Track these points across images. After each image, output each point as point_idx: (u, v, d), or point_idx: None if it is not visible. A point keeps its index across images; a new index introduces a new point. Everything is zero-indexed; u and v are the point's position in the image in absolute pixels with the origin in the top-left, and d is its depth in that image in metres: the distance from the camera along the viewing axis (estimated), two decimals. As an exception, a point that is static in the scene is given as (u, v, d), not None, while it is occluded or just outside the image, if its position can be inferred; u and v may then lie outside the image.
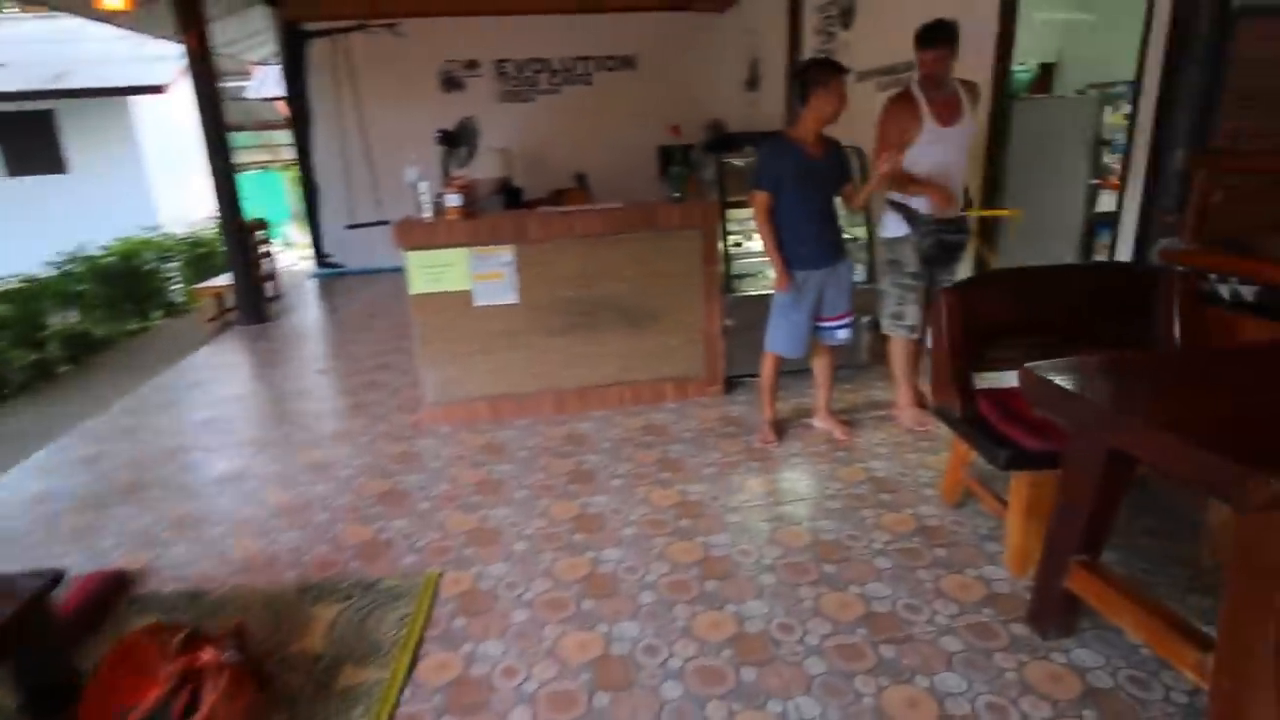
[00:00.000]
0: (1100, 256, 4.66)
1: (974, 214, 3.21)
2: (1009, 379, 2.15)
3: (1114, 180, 4.58)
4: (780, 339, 3.31)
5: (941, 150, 3.24)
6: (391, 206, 7.80)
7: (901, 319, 3.45)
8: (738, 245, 4.05)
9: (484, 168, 7.10)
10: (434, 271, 3.60)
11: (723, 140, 7.12)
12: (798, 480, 3.06)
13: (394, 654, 2.12)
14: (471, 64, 8.10)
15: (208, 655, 1.80)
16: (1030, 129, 3.86)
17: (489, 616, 2.30)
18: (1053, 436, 2.19)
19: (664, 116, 8.17)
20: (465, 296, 3.67)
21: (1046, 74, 5.29)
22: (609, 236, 3.70)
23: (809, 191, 3.08)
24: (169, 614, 2.36)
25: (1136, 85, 2.98)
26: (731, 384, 4.12)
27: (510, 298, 3.69)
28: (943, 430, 3.38)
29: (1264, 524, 1.33)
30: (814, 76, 3.03)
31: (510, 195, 7.15)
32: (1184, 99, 2.77)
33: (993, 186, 3.91)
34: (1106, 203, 4.41)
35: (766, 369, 3.43)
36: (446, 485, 3.19)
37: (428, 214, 3.65)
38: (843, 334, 3.32)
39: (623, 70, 8.32)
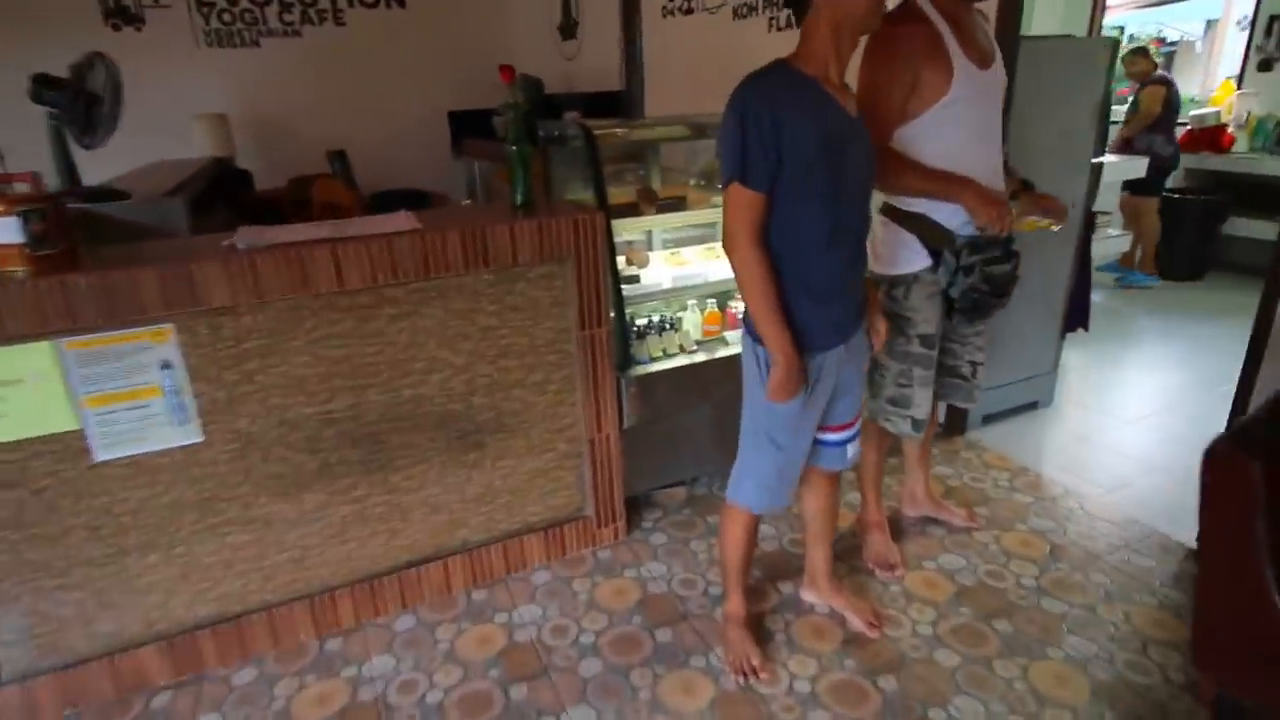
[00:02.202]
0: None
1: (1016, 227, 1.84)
2: None
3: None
4: (760, 486, 1.70)
5: (980, 111, 1.79)
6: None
7: (904, 406, 1.98)
8: (631, 281, 2.34)
9: (179, 145, 4.74)
10: (-32, 403, 1.52)
11: (540, 104, 5.33)
12: (856, 798, 1.49)
13: None
14: (152, -13, 5.46)
15: None
16: (1025, 83, 2.56)
17: None
18: None
19: (452, 71, 6.17)
20: (69, 444, 1.62)
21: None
22: (401, 287, 1.84)
23: (845, 183, 1.47)
24: None
25: None
26: (635, 510, 2.46)
27: (184, 434, 1.71)
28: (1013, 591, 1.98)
29: None
30: None
31: (230, 184, 4.82)
32: None
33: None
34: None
35: (733, 535, 1.81)
36: None
37: (-64, 264, 1.53)
38: (854, 451, 1.79)
39: (389, 8, 6.12)
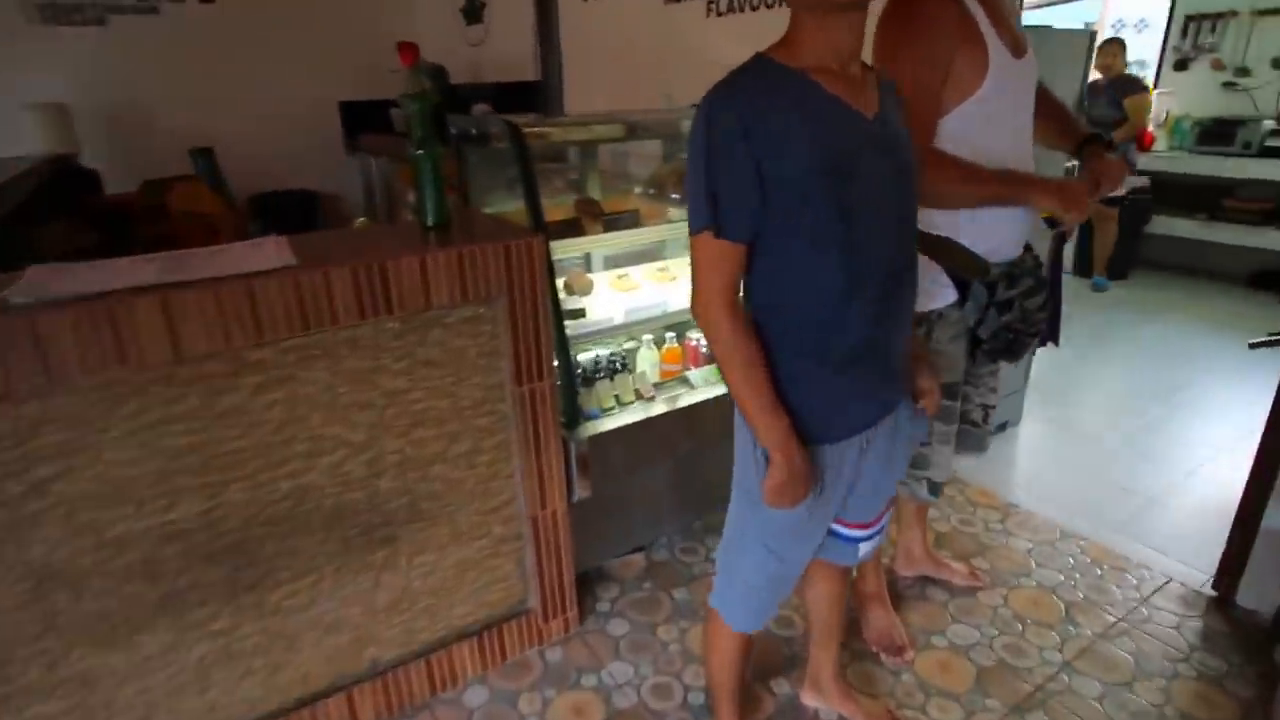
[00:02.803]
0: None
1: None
2: None
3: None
4: (750, 599, 1.33)
5: (1015, 108, 1.47)
6: None
7: (921, 467, 1.67)
8: (576, 315, 1.91)
9: (10, 141, 3.96)
10: None
11: (444, 95, 4.79)
12: None
13: None
14: (-38, -50, 4.56)
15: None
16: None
17: None
18: None
19: (342, 57, 5.51)
20: None
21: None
22: (268, 347, 1.34)
23: (864, 210, 1.06)
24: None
25: None
26: (586, 588, 2.03)
27: (-61, 582, 1.16)
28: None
29: None
30: None
31: (71, 188, 4.07)
32: None
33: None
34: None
35: (722, 651, 1.42)
36: None
37: None
38: (868, 548, 1.41)
39: (265, -17, 5.39)
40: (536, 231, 1.60)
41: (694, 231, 1.06)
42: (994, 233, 1.45)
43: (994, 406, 1.76)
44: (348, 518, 1.51)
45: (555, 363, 1.70)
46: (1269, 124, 4.97)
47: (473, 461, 1.64)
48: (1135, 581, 2.09)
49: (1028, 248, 1.54)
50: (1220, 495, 2.50)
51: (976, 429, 1.77)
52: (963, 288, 1.50)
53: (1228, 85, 5.15)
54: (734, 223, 1.03)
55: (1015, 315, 1.48)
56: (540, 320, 1.60)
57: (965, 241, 1.46)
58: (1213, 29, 5.14)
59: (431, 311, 1.48)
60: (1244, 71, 5.11)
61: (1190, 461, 2.74)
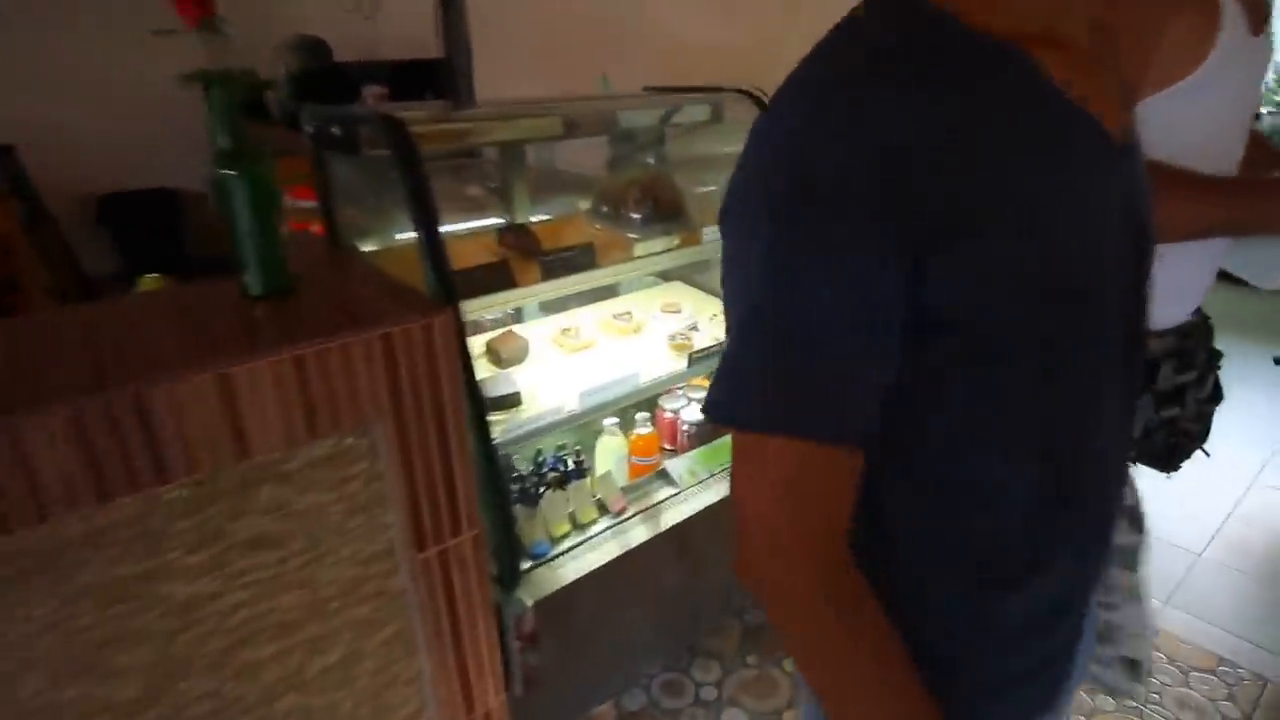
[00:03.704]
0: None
1: None
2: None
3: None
4: None
5: (1242, 95, 0.95)
6: None
7: None
8: (508, 404, 1.28)
9: None
10: None
11: (326, 75, 4.00)
12: None
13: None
14: None
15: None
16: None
17: None
18: None
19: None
20: None
21: None
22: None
23: (1097, 368, 0.50)
24: None
25: None
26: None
27: None
28: None
29: None
30: None
31: None
32: None
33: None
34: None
35: None
36: None
37: None
38: None
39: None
40: (442, 303, 0.98)
41: (741, 424, 0.47)
42: (1170, 284, 0.93)
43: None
44: (124, 817, 0.87)
45: (478, 497, 1.08)
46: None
47: (350, 674, 1.02)
48: (1226, 688, 1.67)
49: (1197, 308, 1.03)
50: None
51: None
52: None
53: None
54: (846, 405, 0.45)
55: (1190, 413, 0.97)
56: (450, 444, 0.99)
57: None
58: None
59: (253, 460, 0.85)
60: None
61: (1242, 502, 2.39)
